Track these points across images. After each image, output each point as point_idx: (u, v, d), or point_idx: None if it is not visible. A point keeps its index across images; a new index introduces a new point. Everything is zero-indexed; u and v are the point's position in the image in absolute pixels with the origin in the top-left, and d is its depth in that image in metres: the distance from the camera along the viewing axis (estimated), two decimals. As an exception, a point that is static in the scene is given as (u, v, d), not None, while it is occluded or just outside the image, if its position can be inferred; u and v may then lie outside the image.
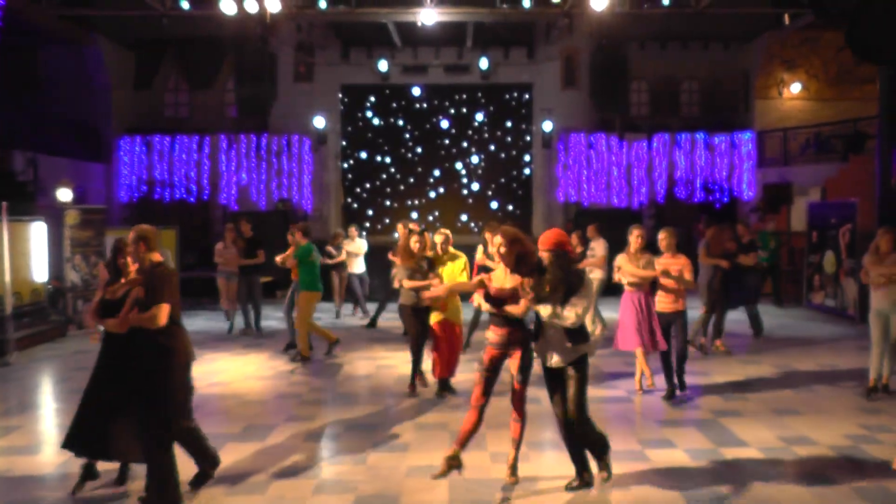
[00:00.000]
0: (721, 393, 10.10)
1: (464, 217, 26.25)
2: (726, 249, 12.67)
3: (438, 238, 10.45)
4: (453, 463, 6.54)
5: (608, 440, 6.83)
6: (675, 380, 9.77)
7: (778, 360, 12.16)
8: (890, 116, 17.06)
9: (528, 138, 26.20)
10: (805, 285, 18.34)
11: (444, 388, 10.10)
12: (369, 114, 26.28)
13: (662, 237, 9.85)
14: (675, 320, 9.69)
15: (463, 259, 10.38)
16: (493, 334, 6.72)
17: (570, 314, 6.30)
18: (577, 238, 14.33)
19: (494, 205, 26.38)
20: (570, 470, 6.83)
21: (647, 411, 9.28)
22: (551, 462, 7.42)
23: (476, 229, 25.04)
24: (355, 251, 17.18)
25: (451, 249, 10.46)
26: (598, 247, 14.51)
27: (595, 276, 14.32)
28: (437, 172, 26.41)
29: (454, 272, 10.21)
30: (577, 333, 6.46)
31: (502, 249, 6.60)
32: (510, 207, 26.40)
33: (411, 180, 26.44)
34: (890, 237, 9.49)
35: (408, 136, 26.36)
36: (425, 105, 26.25)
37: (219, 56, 25.06)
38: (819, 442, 7.96)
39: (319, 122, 23.87)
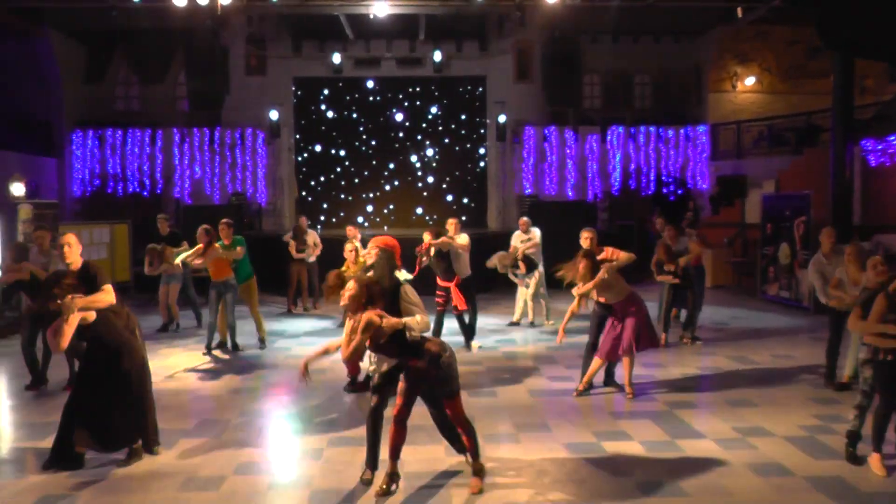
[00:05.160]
0: (676, 385, 10.13)
1: (419, 210, 26.18)
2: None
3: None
4: (395, 479, 6.59)
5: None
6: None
7: (733, 352, 12.23)
8: (843, 110, 17.26)
9: (483, 131, 26.19)
10: (759, 277, 18.49)
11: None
12: (322, 107, 26.11)
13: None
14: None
15: None
16: None
17: None
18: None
19: (449, 198, 26.33)
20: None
21: (602, 404, 9.27)
22: (506, 454, 7.39)
23: (430, 222, 24.96)
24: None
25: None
26: (534, 236, 14.68)
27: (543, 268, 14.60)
28: (391, 165, 26.32)
29: None
30: None
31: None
32: (465, 200, 26.36)
33: (366, 173, 26.31)
34: None
35: (361, 129, 26.22)
36: (379, 98, 26.13)
37: (170, 49, 24.79)
38: (775, 433, 7.99)
39: (272, 115, 23.67)
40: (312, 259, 17.05)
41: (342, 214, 25.77)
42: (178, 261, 12.60)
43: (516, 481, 6.70)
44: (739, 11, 20.90)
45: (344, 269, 9.84)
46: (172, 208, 23.86)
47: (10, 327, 14.83)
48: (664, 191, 25.20)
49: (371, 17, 20.83)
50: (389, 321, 6.13)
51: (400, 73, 25.58)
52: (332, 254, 16.83)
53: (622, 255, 9.52)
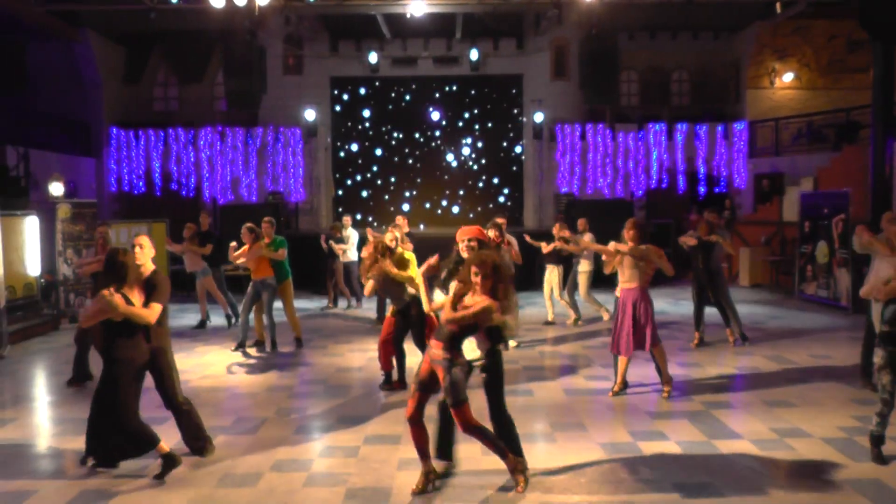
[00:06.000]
0: (713, 385, 10.06)
1: (455, 209, 26.21)
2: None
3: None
4: (430, 477, 6.57)
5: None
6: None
7: (770, 352, 12.13)
8: (883, 105, 17.03)
9: (519, 130, 26.17)
10: (797, 275, 18.32)
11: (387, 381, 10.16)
12: (359, 106, 26.23)
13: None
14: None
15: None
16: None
17: None
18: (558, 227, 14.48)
19: (486, 196, 26.36)
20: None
21: (638, 403, 9.23)
22: (542, 454, 7.38)
23: (468, 220, 24.94)
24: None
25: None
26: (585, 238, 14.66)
27: (583, 268, 14.55)
28: (428, 164, 26.39)
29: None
30: None
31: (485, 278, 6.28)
32: (501, 199, 26.38)
33: (402, 172, 26.42)
34: None
35: (398, 128, 26.33)
36: (415, 97, 26.20)
37: (207, 49, 25.07)
38: (812, 434, 7.92)
39: (309, 114, 23.80)
40: (346, 257, 17.12)
41: (379, 213, 25.91)
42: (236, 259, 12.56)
43: (552, 481, 6.70)
44: (778, 7, 20.72)
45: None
46: (209, 207, 24.12)
47: (49, 324, 15.08)
48: (701, 189, 25.03)
49: (408, 16, 20.89)
50: (501, 315, 6.16)
51: (437, 72, 25.63)
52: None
53: (665, 260, 9.39)
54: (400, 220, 15.10)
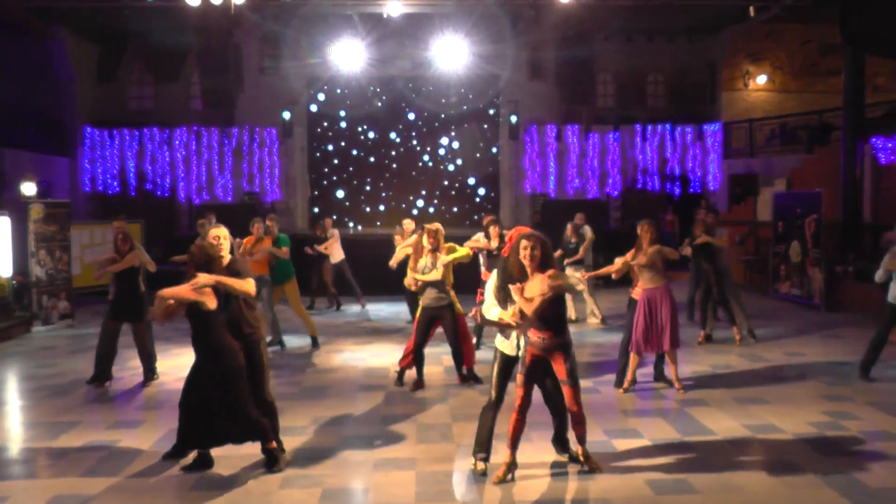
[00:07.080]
0: (687, 382, 10.11)
1: (431, 209, 26.21)
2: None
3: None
4: (512, 468, 6.74)
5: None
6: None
7: (744, 350, 12.23)
8: (854, 108, 17.21)
9: (496, 130, 26.18)
10: (771, 275, 18.46)
11: (471, 376, 10.20)
12: (335, 106, 26.13)
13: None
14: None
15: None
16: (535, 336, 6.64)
17: None
18: (571, 228, 14.79)
19: (462, 196, 26.35)
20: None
21: (613, 401, 9.30)
22: (531, 450, 7.41)
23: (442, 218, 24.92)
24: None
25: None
26: (588, 233, 14.99)
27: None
28: (404, 164, 26.35)
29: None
30: None
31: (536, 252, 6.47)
32: (477, 199, 26.39)
33: (378, 173, 26.37)
34: None
35: (374, 128, 26.27)
36: (392, 97, 26.13)
37: (183, 48, 24.85)
38: (784, 430, 8.00)
39: (285, 114, 23.73)
40: (336, 258, 17.13)
41: (355, 213, 25.88)
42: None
43: (527, 480, 6.75)
44: (752, 11, 20.87)
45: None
46: (185, 207, 24.02)
47: (21, 327, 14.95)
48: (677, 189, 25.18)
49: (385, 16, 20.85)
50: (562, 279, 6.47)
51: (413, 73, 25.56)
52: (351, 253, 17.16)
53: (668, 251, 9.54)
54: (407, 222, 15.09)
